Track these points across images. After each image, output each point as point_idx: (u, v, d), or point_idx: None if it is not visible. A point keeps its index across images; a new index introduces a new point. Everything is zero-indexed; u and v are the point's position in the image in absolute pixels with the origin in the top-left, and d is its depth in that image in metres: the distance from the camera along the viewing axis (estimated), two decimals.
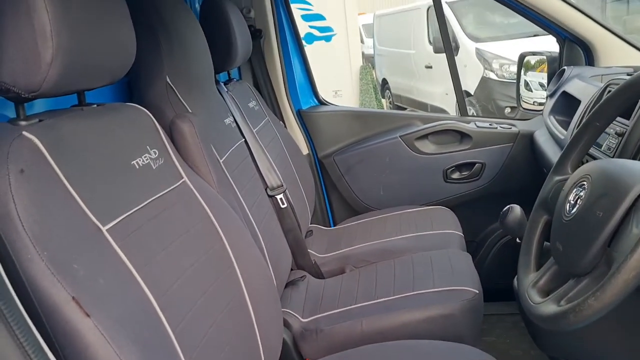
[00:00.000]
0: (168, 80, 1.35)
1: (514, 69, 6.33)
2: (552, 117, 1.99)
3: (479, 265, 1.75)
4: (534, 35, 6.96)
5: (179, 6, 1.43)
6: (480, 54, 6.68)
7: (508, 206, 1.29)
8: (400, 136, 2.29)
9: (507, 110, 6.25)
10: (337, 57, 7.92)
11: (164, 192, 1.02)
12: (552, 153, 1.86)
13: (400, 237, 1.95)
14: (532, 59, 2.50)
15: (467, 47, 6.78)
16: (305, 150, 2.32)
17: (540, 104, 2.44)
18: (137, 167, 0.98)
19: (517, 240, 1.31)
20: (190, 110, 1.36)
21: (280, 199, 1.78)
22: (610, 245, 0.82)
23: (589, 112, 1.46)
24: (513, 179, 2.26)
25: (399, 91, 8.83)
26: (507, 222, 1.27)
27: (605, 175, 0.87)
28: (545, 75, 2.43)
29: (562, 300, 0.88)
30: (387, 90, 9.28)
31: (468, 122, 2.31)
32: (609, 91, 1.42)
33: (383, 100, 9.21)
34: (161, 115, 1.26)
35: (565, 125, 1.88)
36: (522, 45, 6.58)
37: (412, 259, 1.75)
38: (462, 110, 2.37)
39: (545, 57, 2.35)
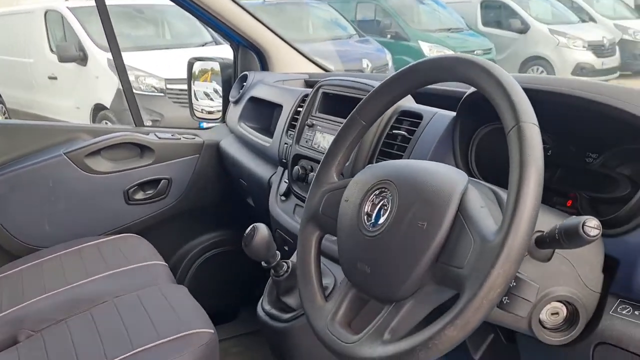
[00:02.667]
0: None
1: (150, 80, 6.25)
2: (243, 123, 1.87)
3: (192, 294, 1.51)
4: (166, 48, 7.02)
5: None
6: (112, 65, 6.28)
7: (252, 226, 1.09)
8: (65, 153, 1.84)
9: (149, 123, 6.07)
10: None
11: None
12: (253, 162, 1.74)
13: (89, 279, 1.54)
14: (197, 69, 2.36)
15: (97, 57, 6.31)
16: None
17: (210, 112, 2.32)
18: None
19: (263, 264, 1.12)
20: None
21: None
22: (439, 259, 0.70)
23: (306, 113, 1.38)
24: (204, 193, 2.07)
25: (17, 105, 7.65)
26: (254, 246, 1.07)
27: (414, 180, 0.75)
28: (209, 84, 2.33)
29: (385, 333, 0.73)
30: (1, 105, 7.94)
31: (147, 133, 2.01)
32: (324, 93, 1.37)
33: None
34: None
35: (263, 132, 1.78)
36: (156, 57, 6.51)
37: (115, 305, 1.38)
38: (136, 119, 2.06)
39: (217, 64, 2.24)
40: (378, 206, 0.78)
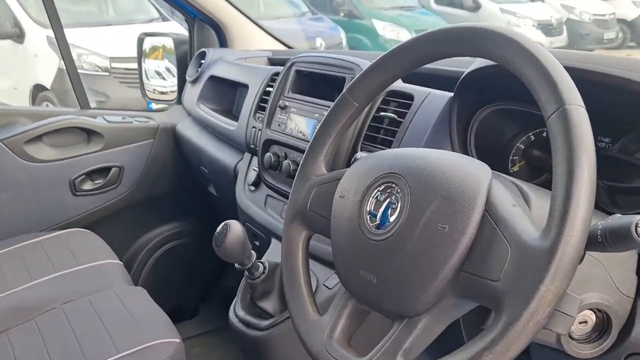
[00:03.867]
0: None
1: (94, 59, 5.92)
2: (203, 105, 1.71)
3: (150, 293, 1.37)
4: (110, 25, 6.66)
5: None
6: (53, 43, 5.91)
7: (223, 224, 0.95)
8: (1, 140, 1.63)
9: (93, 104, 5.75)
10: None
11: None
12: (216, 148, 1.59)
13: (32, 283, 1.36)
14: (148, 46, 2.16)
15: (35, 34, 5.92)
16: None
17: (162, 92, 2.14)
18: None
19: (237, 265, 0.99)
20: None
21: None
22: (463, 268, 0.59)
23: (277, 93, 1.24)
24: (159, 181, 1.90)
25: None
26: (228, 247, 0.93)
27: (429, 173, 0.63)
28: (161, 63, 2.14)
29: (398, 355, 0.61)
30: None
31: (94, 117, 1.82)
32: (297, 70, 1.23)
33: None
34: None
35: (225, 114, 1.63)
36: (99, 34, 6.16)
37: (64, 313, 1.22)
38: (82, 101, 1.86)
39: (171, 40, 2.05)
40: (384, 204, 0.66)
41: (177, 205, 1.99)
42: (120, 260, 1.89)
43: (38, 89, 5.92)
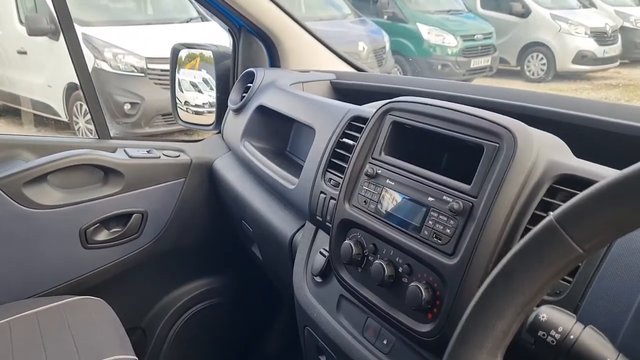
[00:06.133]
0: None
1: (130, 59, 5.65)
2: (248, 143, 1.33)
3: None
4: (148, 24, 6.41)
5: None
6: (88, 41, 5.67)
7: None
8: None
9: (127, 106, 5.52)
10: None
11: None
12: (264, 204, 1.21)
13: None
14: (183, 54, 1.81)
15: None
16: None
17: (197, 112, 1.78)
18: None
19: None
20: None
21: None
22: None
23: (363, 153, 0.85)
24: (189, 230, 1.54)
25: None
26: None
27: None
28: (197, 73, 1.79)
29: None
30: None
31: (114, 150, 1.46)
32: (396, 123, 0.83)
33: None
34: None
35: (277, 157, 1.25)
36: (137, 33, 5.91)
37: None
38: (100, 129, 1.50)
39: (211, 52, 1.69)
40: None
41: (209, 259, 1.63)
42: (140, 326, 1.54)
43: (72, 87, 5.71)
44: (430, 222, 0.72)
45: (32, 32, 5.84)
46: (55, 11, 1.43)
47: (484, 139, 0.69)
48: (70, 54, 1.44)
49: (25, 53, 6.24)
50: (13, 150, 1.37)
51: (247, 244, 1.41)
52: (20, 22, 6.19)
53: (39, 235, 1.35)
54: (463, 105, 0.74)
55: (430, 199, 0.73)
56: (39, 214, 1.33)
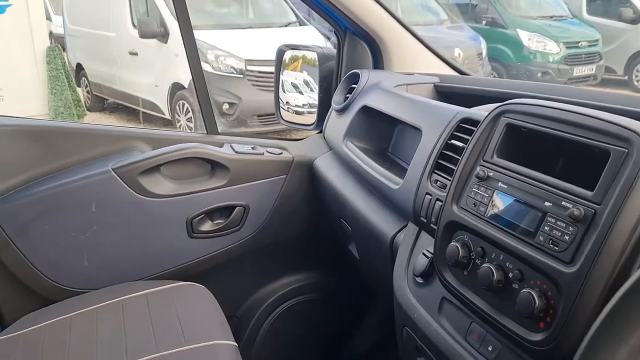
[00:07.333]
0: None
1: (231, 61, 5.88)
2: (351, 143, 1.35)
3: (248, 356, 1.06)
4: (249, 27, 6.64)
5: None
6: None
7: None
8: (114, 168, 1.38)
9: (226, 106, 5.74)
10: (10, 36, 6.22)
11: None
12: (365, 204, 1.22)
13: None
14: (287, 56, 1.86)
15: (178, 34, 5.98)
16: None
17: (298, 112, 1.82)
18: None
19: None
20: None
21: None
22: None
23: (474, 155, 0.84)
24: (288, 225, 1.58)
25: (99, 79, 7.52)
26: None
27: None
28: (298, 74, 1.83)
29: None
30: (84, 78, 7.85)
31: (221, 145, 1.53)
32: (510, 125, 0.81)
33: (79, 89, 7.75)
34: None
35: (378, 157, 1.26)
36: (237, 36, 6.13)
37: None
38: (209, 125, 1.58)
39: (315, 54, 1.72)
40: None
41: (305, 255, 1.66)
42: (236, 315, 1.60)
43: (176, 87, 6.02)
44: (546, 227, 0.70)
45: (143, 35, 6.23)
46: (177, 15, 1.52)
47: (610, 144, 0.66)
48: (187, 54, 1.52)
49: (136, 54, 6.65)
50: (131, 141, 1.47)
51: (344, 242, 1.42)
52: (133, 25, 6.61)
53: (150, 222, 1.43)
54: (587, 109, 0.71)
55: (547, 203, 0.71)
56: (152, 202, 1.42)
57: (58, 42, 8.01)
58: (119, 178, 1.38)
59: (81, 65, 7.90)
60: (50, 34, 7.85)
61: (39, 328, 1.23)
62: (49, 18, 8.36)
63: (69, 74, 7.14)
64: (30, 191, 1.34)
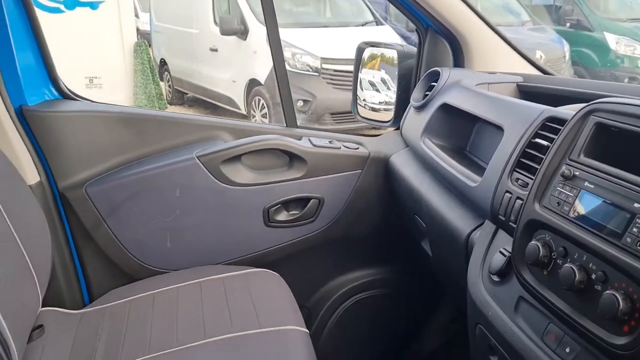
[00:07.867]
0: None
1: (307, 59, 5.95)
2: (429, 140, 1.35)
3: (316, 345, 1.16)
4: (325, 26, 6.71)
5: None
6: None
7: None
8: (198, 156, 1.45)
9: (300, 103, 5.82)
10: (103, 31, 6.60)
11: None
12: (441, 201, 1.22)
13: (205, 340, 1.14)
14: (366, 55, 1.87)
15: (257, 32, 6.15)
16: (32, 176, 1.35)
17: (374, 109, 1.83)
18: None
19: None
20: None
21: None
22: None
23: (560, 154, 0.83)
24: (360, 220, 1.60)
25: (180, 74, 7.84)
26: None
27: None
28: (376, 73, 1.83)
29: None
30: (166, 72, 8.20)
31: (299, 138, 1.57)
32: (599, 124, 0.80)
33: (161, 83, 8.10)
34: None
35: (455, 153, 1.26)
36: (314, 35, 6.21)
37: None
38: (289, 118, 1.62)
39: (395, 52, 1.73)
40: None
41: (377, 250, 1.67)
42: (305, 305, 1.64)
43: (253, 83, 6.17)
44: (634, 229, 0.68)
45: (224, 32, 6.42)
46: (264, 13, 1.58)
47: None
48: (271, 51, 1.58)
49: (216, 50, 6.87)
50: (214, 131, 1.54)
51: (418, 238, 1.43)
52: (215, 22, 6.84)
53: (229, 209, 1.49)
54: None
55: (637, 205, 0.69)
56: (232, 190, 1.48)
57: (144, 38, 8.42)
58: (202, 165, 1.45)
59: (164, 61, 8.25)
60: (137, 30, 8.25)
61: (125, 302, 1.31)
62: (136, 15, 8.78)
63: (153, 69, 7.49)
64: (122, 174, 1.43)
